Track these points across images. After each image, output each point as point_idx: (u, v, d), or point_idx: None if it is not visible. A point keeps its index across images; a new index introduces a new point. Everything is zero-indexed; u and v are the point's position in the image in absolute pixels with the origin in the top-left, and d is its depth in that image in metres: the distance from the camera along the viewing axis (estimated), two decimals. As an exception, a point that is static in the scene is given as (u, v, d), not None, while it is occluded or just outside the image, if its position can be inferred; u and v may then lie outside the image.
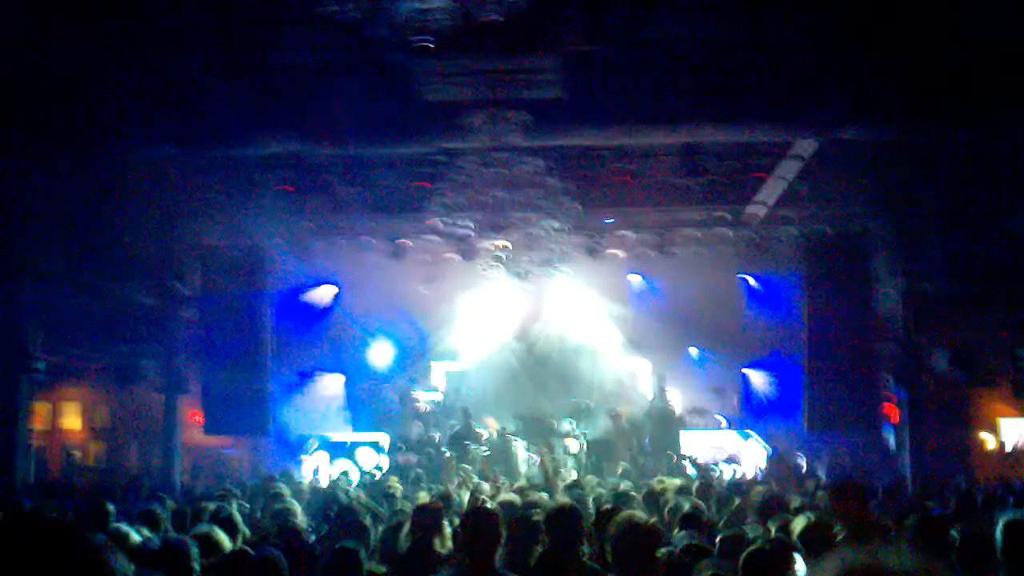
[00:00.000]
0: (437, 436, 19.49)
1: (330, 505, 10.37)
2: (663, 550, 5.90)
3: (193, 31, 11.21)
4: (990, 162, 13.64)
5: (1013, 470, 17.22)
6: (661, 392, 19.62)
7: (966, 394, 19.33)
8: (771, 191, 15.22)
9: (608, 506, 8.17)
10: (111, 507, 8.48)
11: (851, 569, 1.62)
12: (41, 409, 20.35)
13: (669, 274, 19.23)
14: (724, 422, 20.06)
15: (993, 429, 20.20)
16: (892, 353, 18.01)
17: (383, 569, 6.57)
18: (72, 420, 22.02)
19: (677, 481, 12.35)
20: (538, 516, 6.98)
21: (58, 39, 10.84)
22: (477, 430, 19.00)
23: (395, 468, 18.08)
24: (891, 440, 18.64)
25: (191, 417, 19.11)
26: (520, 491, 11.47)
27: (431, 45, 9.42)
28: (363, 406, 20.97)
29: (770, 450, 18.82)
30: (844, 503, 7.50)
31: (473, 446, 18.49)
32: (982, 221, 15.00)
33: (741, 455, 19.22)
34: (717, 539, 6.81)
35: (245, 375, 17.69)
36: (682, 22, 11.05)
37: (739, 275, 19.45)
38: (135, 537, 7.10)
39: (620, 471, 16.35)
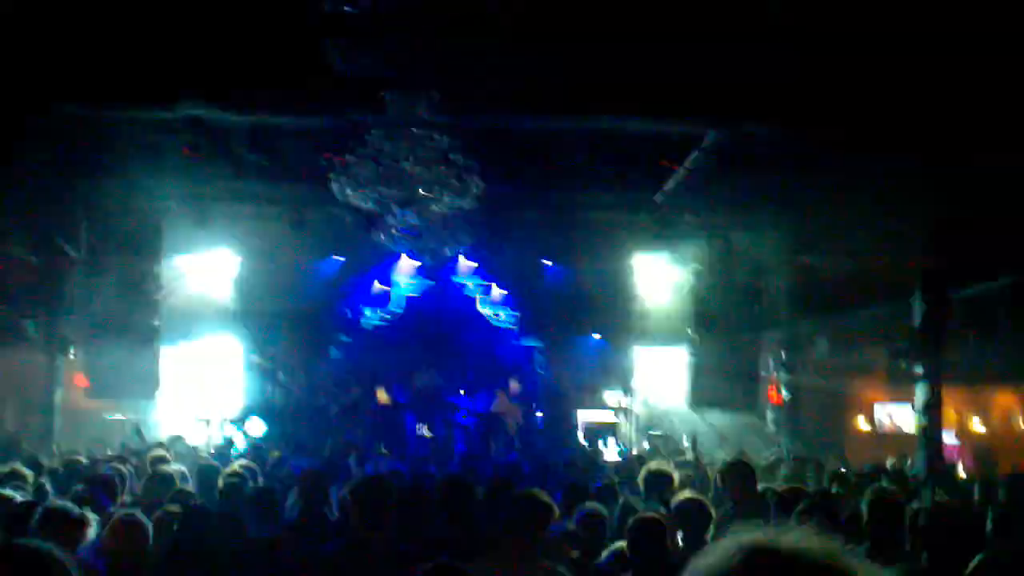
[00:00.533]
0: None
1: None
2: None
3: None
4: (880, 151, 14.09)
5: (884, 452, 18.05)
6: (552, 370, 20.00)
7: (844, 380, 20.14)
8: (673, 180, 15.55)
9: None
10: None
11: (749, 548, 1.57)
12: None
13: (573, 258, 19.52)
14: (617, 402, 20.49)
15: (868, 413, 21.12)
16: (776, 337, 18.71)
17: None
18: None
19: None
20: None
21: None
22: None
23: (279, 436, 18.05)
24: (770, 421, 19.33)
25: (75, 381, 18.65)
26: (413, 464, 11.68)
27: (349, 17, 9.38)
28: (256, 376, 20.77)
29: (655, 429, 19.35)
30: (734, 480, 7.88)
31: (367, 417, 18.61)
32: (868, 211, 15.54)
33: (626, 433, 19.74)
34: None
35: (134, 338, 17.33)
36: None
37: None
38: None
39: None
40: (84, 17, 11.02)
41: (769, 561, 1.54)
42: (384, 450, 16.68)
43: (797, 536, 1.57)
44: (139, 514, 6.16)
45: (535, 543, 5.39)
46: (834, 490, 10.38)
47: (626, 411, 20.17)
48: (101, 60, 11.60)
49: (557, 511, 5.69)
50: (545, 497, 5.65)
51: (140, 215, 17.06)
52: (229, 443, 17.20)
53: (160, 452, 12.14)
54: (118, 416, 19.82)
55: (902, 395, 18.48)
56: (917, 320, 15.54)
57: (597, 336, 20.74)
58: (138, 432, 15.83)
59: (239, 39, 11.63)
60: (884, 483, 10.83)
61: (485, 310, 21.09)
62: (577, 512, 6.72)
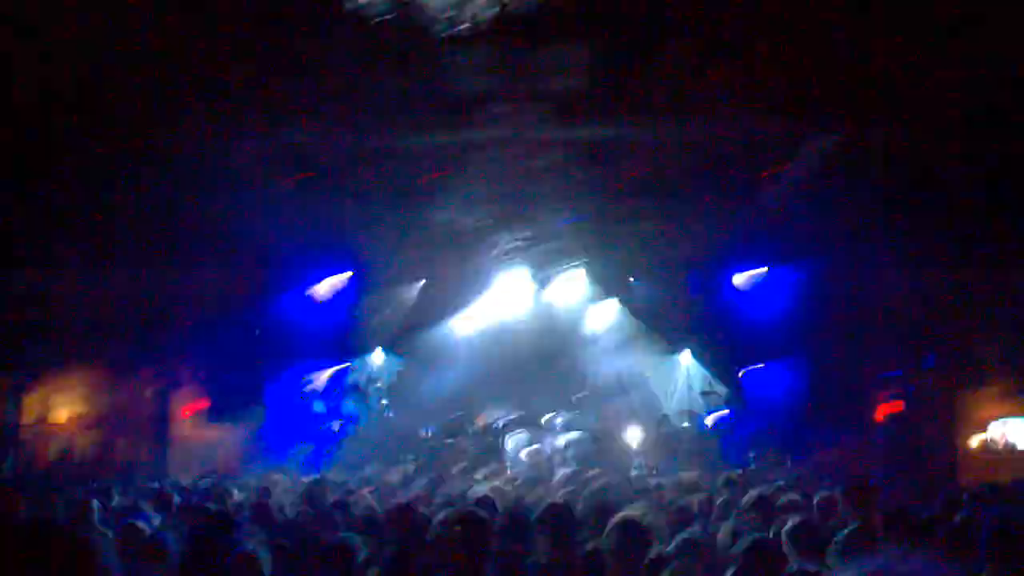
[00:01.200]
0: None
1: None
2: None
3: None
4: (995, 166, 13.75)
5: (999, 471, 17.43)
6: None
7: (957, 395, 19.54)
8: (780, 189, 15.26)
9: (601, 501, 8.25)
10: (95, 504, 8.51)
11: None
12: (32, 400, 20.19)
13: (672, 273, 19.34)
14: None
15: (983, 429, 20.42)
16: (887, 354, 18.26)
17: None
18: (63, 411, 21.81)
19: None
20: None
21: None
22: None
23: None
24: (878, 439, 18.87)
25: (183, 412, 19.08)
26: (512, 487, 11.51)
27: (458, 35, 9.40)
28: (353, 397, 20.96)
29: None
30: (856, 502, 7.67)
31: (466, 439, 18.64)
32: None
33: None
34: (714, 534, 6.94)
35: (242, 363, 17.83)
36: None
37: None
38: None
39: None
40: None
41: None
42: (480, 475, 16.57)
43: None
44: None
45: (636, 568, 5.27)
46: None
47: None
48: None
49: (657, 535, 5.57)
50: (646, 520, 5.53)
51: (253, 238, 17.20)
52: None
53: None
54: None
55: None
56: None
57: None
58: None
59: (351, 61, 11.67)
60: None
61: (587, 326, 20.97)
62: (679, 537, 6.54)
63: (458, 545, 5.33)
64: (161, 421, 18.50)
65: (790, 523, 6.51)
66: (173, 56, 10.93)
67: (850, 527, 7.18)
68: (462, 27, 8.43)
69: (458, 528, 5.45)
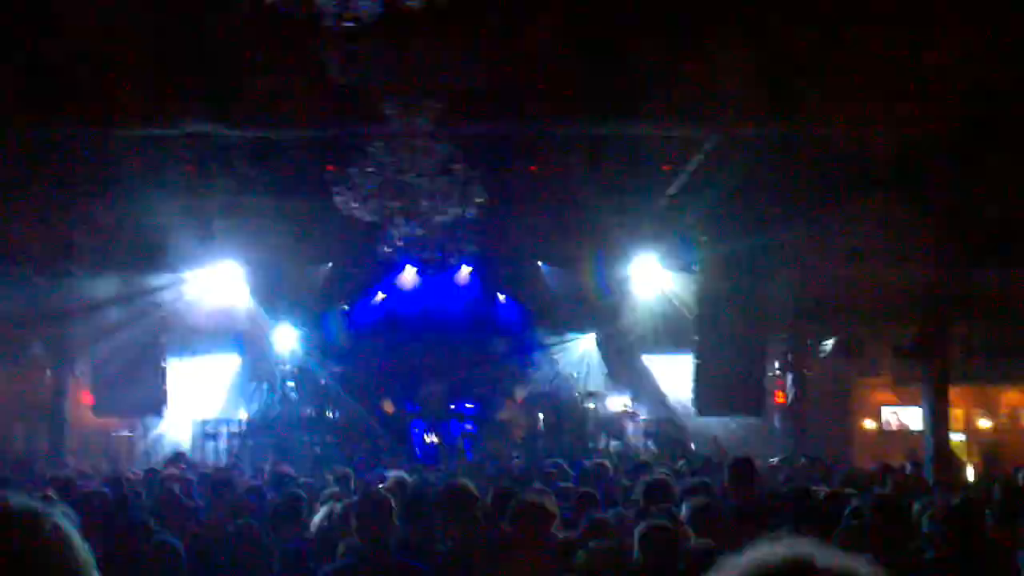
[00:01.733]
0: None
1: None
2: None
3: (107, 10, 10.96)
4: (878, 154, 14.17)
5: (890, 454, 18.05)
6: (557, 374, 20.04)
7: (850, 381, 20.18)
8: (672, 182, 15.60)
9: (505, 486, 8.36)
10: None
11: (791, 561, 1.49)
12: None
13: (573, 261, 19.64)
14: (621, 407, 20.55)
15: (875, 416, 21.11)
16: (781, 341, 18.71)
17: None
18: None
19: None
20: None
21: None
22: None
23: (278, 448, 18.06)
24: (777, 424, 19.32)
25: (81, 398, 18.70)
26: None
27: (349, 30, 9.41)
28: (257, 386, 20.81)
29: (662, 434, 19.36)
30: (738, 481, 7.90)
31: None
32: (872, 212, 15.60)
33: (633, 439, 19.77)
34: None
35: (139, 354, 17.40)
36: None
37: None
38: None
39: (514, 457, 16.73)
40: (88, 36, 11.08)
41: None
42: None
43: (831, 553, 1.50)
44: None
45: (539, 550, 5.37)
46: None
47: (632, 415, 20.21)
48: (104, 79, 11.68)
49: (557, 517, 5.67)
50: (549, 504, 5.63)
51: (144, 231, 17.07)
52: (237, 458, 17.31)
53: (172, 470, 12.23)
54: (124, 433, 19.89)
55: (909, 398, 18.55)
56: (921, 320, 15.57)
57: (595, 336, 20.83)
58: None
59: (239, 54, 11.73)
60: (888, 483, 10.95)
61: (487, 316, 21.21)
62: (585, 520, 6.67)
63: (363, 527, 5.44)
64: (59, 411, 18.08)
65: (688, 505, 6.72)
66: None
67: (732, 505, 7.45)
68: (351, 22, 8.46)
69: (364, 509, 5.56)
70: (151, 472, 12.25)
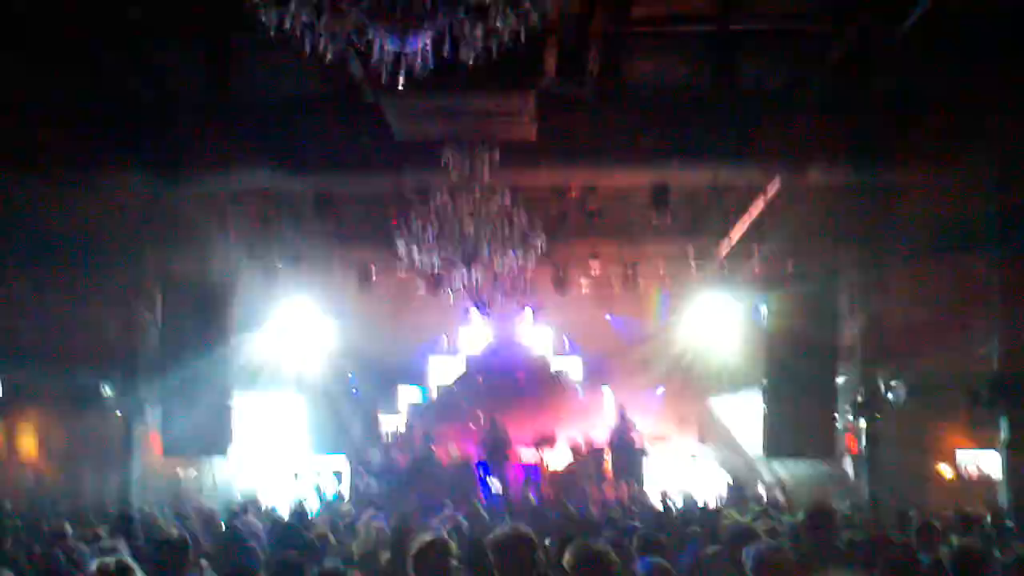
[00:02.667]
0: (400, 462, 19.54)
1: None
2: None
3: (169, 60, 11.24)
4: (951, 198, 13.96)
5: (968, 500, 17.51)
6: (622, 421, 19.81)
7: (924, 426, 19.62)
8: (736, 226, 15.49)
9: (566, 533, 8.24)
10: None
11: None
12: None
13: (634, 309, 19.59)
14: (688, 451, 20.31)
15: (950, 460, 20.50)
16: (852, 384, 18.31)
17: None
18: (28, 444, 21.69)
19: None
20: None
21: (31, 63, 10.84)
22: (439, 456, 19.12)
23: (356, 494, 18.11)
24: (849, 470, 18.88)
25: (151, 441, 18.93)
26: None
27: (405, 84, 9.50)
28: (325, 429, 20.94)
29: (730, 478, 19.01)
30: (814, 528, 7.66)
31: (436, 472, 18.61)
32: (944, 254, 15.31)
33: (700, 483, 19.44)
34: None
35: (205, 397, 17.59)
36: (652, 65, 11.28)
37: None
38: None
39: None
40: (148, 91, 11.36)
41: None
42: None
43: None
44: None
45: None
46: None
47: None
48: (171, 133, 11.97)
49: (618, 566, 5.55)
50: (608, 551, 5.52)
51: (212, 282, 17.35)
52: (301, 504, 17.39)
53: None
54: (192, 473, 20.11)
55: (986, 441, 17.98)
56: (995, 363, 15.12)
57: (660, 389, 20.66)
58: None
59: (298, 107, 11.94)
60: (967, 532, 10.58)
61: (552, 363, 21.20)
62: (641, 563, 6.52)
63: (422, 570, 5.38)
64: (126, 452, 18.34)
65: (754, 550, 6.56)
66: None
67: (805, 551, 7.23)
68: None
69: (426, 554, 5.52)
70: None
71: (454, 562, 5.71)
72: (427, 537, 6.43)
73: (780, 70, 11.55)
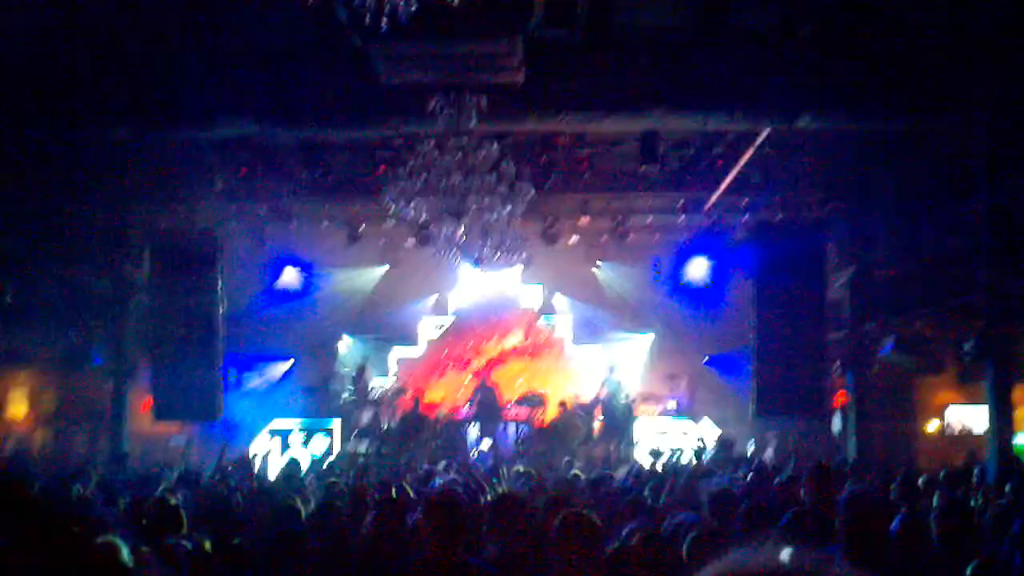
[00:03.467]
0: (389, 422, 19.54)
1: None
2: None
3: (149, 10, 11.12)
4: (941, 152, 13.97)
5: (955, 454, 17.61)
6: (611, 378, 19.82)
7: (912, 381, 19.70)
8: (725, 177, 15.45)
9: (554, 495, 8.22)
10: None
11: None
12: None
13: (626, 261, 19.58)
14: (675, 407, 20.36)
15: (939, 416, 20.61)
16: (840, 340, 18.33)
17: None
18: (18, 407, 21.67)
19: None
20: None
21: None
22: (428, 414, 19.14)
23: (346, 455, 18.11)
24: (837, 425, 18.93)
25: (143, 406, 18.89)
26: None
27: (390, 29, 9.42)
28: (315, 391, 20.91)
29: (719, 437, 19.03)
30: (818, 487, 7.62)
31: (425, 433, 18.61)
32: (932, 210, 15.31)
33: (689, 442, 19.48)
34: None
35: (196, 360, 17.51)
36: (642, 10, 11.20)
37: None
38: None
39: (565, 460, 16.54)
40: (132, 40, 11.24)
41: None
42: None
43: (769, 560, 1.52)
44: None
45: (585, 563, 5.21)
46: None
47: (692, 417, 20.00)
48: (149, 83, 11.85)
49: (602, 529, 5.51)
50: (593, 518, 5.47)
51: (199, 238, 17.28)
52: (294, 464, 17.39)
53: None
54: (183, 439, 20.07)
55: (974, 396, 18.02)
56: (984, 318, 15.12)
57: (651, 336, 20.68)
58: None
59: (287, 55, 11.85)
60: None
61: (541, 318, 21.20)
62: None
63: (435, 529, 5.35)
64: (117, 416, 18.31)
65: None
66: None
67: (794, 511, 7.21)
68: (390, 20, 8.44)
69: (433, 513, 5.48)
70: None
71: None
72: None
73: (771, 13, 11.45)
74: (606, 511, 7.62)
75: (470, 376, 21.34)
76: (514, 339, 21.97)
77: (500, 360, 21.71)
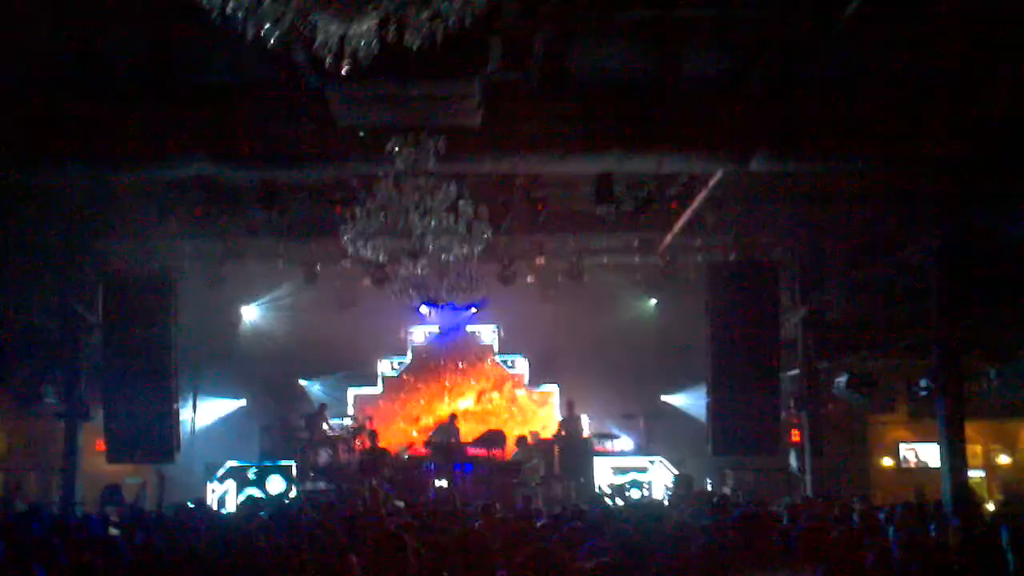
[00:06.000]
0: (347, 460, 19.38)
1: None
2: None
3: (104, 48, 11.08)
4: (891, 192, 14.21)
5: (908, 489, 17.82)
6: (570, 416, 19.84)
7: (865, 418, 19.94)
8: (678, 218, 15.62)
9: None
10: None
11: None
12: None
13: (582, 302, 19.68)
14: (632, 446, 20.39)
15: (892, 452, 20.86)
16: (794, 378, 18.53)
17: None
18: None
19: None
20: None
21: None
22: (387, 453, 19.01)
23: (304, 494, 17.93)
24: (794, 462, 19.07)
25: (96, 446, 18.61)
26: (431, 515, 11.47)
27: (348, 70, 9.46)
28: (271, 432, 20.72)
29: (675, 473, 19.09)
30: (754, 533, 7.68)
31: (384, 471, 18.45)
32: (883, 250, 15.56)
33: (649, 479, 19.51)
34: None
35: (150, 400, 17.32)
36: (598, 55, 11.33)
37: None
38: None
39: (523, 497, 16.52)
40: (87, 76, 11.19)
41: None
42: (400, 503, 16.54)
43: None
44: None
45: None
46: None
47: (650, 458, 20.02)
48: (106, 121, 11.77)
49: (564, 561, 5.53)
50: (555, 551, 5.50)
51: (154, 277, 17.18)
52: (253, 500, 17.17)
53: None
54: (137, 480, 19.79)
55: (926, 434, 18.26)
56: (935, 356, 15.34)
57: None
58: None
59: (244, 95, 11.84)
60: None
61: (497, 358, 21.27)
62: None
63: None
64: (70, 456, 18.02)
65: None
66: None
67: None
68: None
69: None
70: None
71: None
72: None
73: (724, 58, 11.64)
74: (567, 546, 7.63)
75: (429, 414, 21.28)
76: (472, 378, 21.96)
77: (458, 398, 21.67)
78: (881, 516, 11.54)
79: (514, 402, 21.79)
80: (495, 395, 21.66)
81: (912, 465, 20.51)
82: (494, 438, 19.69)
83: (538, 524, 10.65)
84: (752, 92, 11.87)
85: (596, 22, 10.77)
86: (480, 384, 21.82)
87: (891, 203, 14.63)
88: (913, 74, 11.55)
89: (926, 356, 15.88)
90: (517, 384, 22.06)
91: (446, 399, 21.65)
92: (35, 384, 17.45)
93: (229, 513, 16.49)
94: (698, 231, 16.17)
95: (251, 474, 19.19)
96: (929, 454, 19.26)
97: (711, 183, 13.98)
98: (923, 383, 15.85)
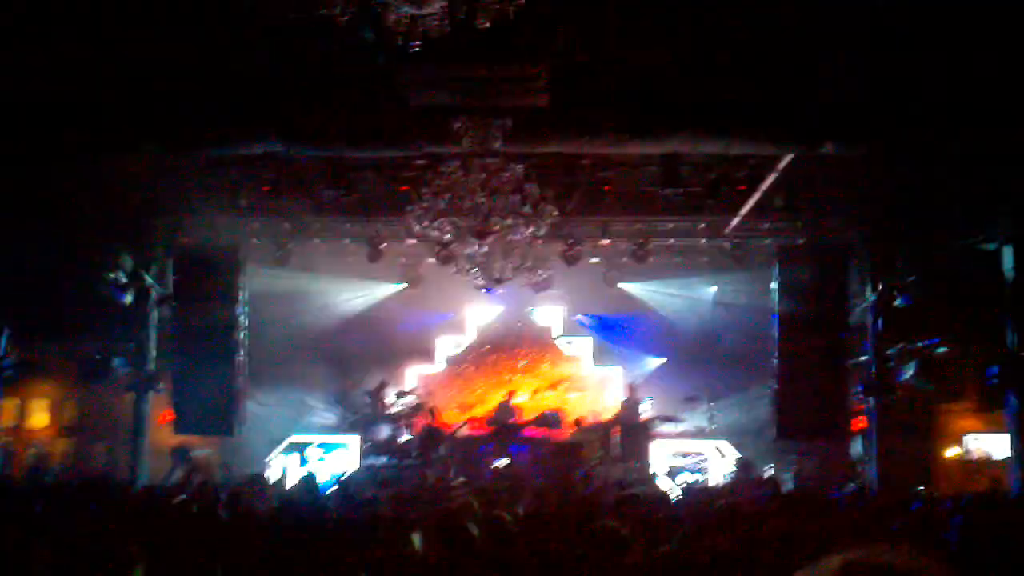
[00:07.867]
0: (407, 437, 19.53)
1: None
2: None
3: (179, 32, 11.19)
4: (964, 178, 13.91)
5: (974, 481, 17.50)
6: (630, 399, 19.77)
7: (933, 407, 19.59)
8: (747, 200, 15.45)
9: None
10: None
11: (846, 563, 1.73)
12: (8, 406, 20.21)
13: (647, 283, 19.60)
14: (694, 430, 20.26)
15: (958, 442, 20.47)
16: (862, 364, 18.24)
17: None
18: (40, 417, 21.80)
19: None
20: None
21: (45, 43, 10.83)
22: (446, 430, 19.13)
23: (365, 470, 18.11)
24: (858, 450, 18.82)
25: (160, 418, 18.93)
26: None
27: (419, 51, 9.46)
28: (335, 407, 20.93)
29: (736, 457, 18.95)
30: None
31: (443, 448, 18.59)
32: (956, 235, 15.26)
33: (709, 463, 19.40)
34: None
35: (216, 374, 17.61)
36: (667, 38, 11.21)
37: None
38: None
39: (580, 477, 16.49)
40: (164, 57, 11.32)
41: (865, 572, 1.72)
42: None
43: (890, 553, 1.74)
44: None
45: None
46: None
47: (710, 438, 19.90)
48: (179, 102, 11.92)
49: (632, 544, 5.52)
50: (623, 530, 5.49)
51: (222, 252, 17.41)
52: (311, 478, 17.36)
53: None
54: (205, 451, 20.11)
55: (994, 424, 17.90)
56: (1010, 341, 15.03)
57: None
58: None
59: (313, 75, 11.90)
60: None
61: (560, 338, 21.22)
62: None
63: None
64: (137, 428, 18.35)
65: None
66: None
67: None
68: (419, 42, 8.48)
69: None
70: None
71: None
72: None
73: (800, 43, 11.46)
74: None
75: (489, 393, 21.32)
76: (532, 358, 21.94)
77: (518, 378, 21.68)
78: (948, 504, 11.44)
79: (574, 382, 21.75)
80: (549, 393, 21.59)
81: (976, 457, 20.10)
82: (551, 419, 19.71)
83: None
84: (823, 76, 11.66)
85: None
86: (536, 382, 21.74)
87: (962, 186, 14.33)
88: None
89: (998, 345, 15.57)
90: (578, 364, 22.01)
91: (506, 379, 21.65)
92: (104, 356, 17.79)
93: (292, 487, 16.67)
94: (767, 213, 15.95)
95: (313, 449, 19.42)
96: (995, 445, 18.89)
97: (780, 165, 13.80)
98: (994, 371, 15.53)
